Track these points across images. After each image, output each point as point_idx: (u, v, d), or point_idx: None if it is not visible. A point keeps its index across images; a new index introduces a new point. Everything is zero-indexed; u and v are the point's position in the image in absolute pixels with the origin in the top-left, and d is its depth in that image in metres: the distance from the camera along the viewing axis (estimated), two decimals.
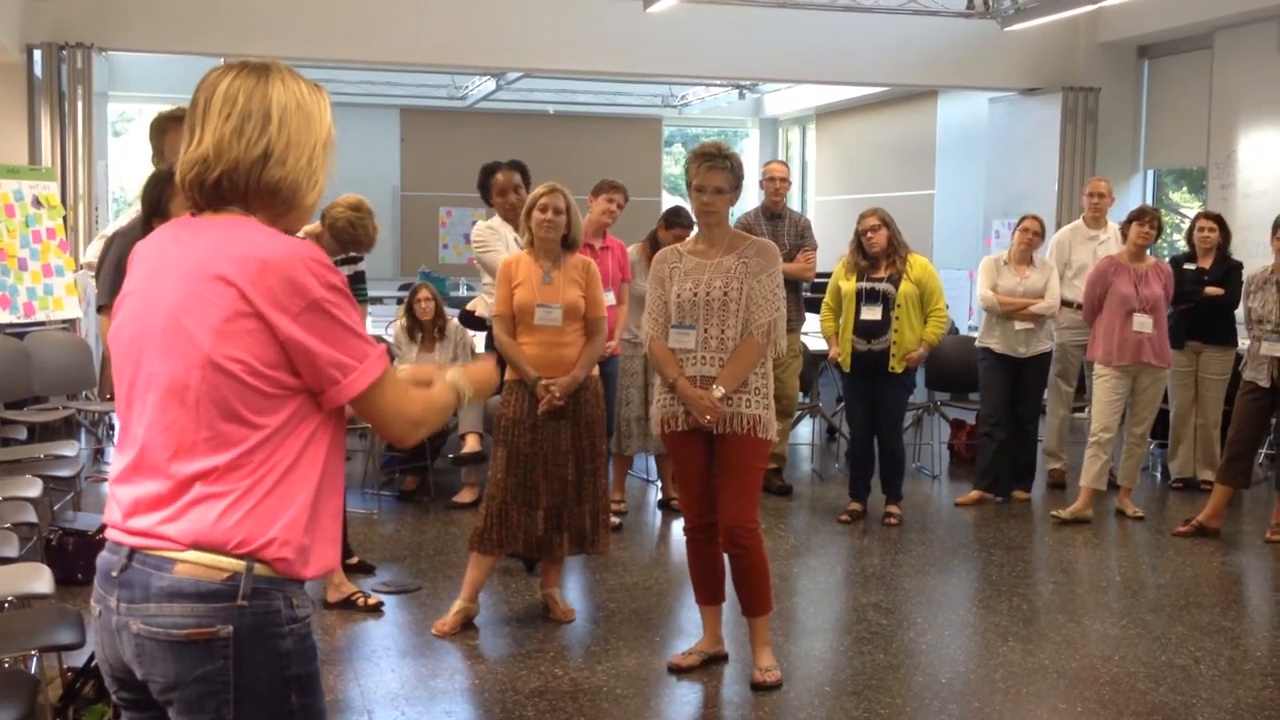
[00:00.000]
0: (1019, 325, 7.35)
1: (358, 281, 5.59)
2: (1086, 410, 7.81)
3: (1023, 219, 7.54)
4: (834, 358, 7.10)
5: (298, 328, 1.96)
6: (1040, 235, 7.50)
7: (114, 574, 2.02)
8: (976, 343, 7.63)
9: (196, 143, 2.04)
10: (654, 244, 7.06)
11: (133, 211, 4.73)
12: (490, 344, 6.22)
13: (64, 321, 8.90)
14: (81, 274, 8.52)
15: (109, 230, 4.66)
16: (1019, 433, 7.56)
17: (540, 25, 10.51)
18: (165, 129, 4.05)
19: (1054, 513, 7.10)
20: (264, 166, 2.03)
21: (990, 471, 7.51)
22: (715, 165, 4.46)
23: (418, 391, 2.21)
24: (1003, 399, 7.48)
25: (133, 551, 2.01)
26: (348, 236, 5.17)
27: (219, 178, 2.02)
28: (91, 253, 4.68)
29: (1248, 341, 6.91)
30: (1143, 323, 6.95)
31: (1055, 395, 7.99)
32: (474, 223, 6.58)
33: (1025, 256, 7.45)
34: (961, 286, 11.94)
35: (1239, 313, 7.28)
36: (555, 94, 14.75)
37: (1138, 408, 7.16)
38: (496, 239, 6.32)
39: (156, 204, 3.27)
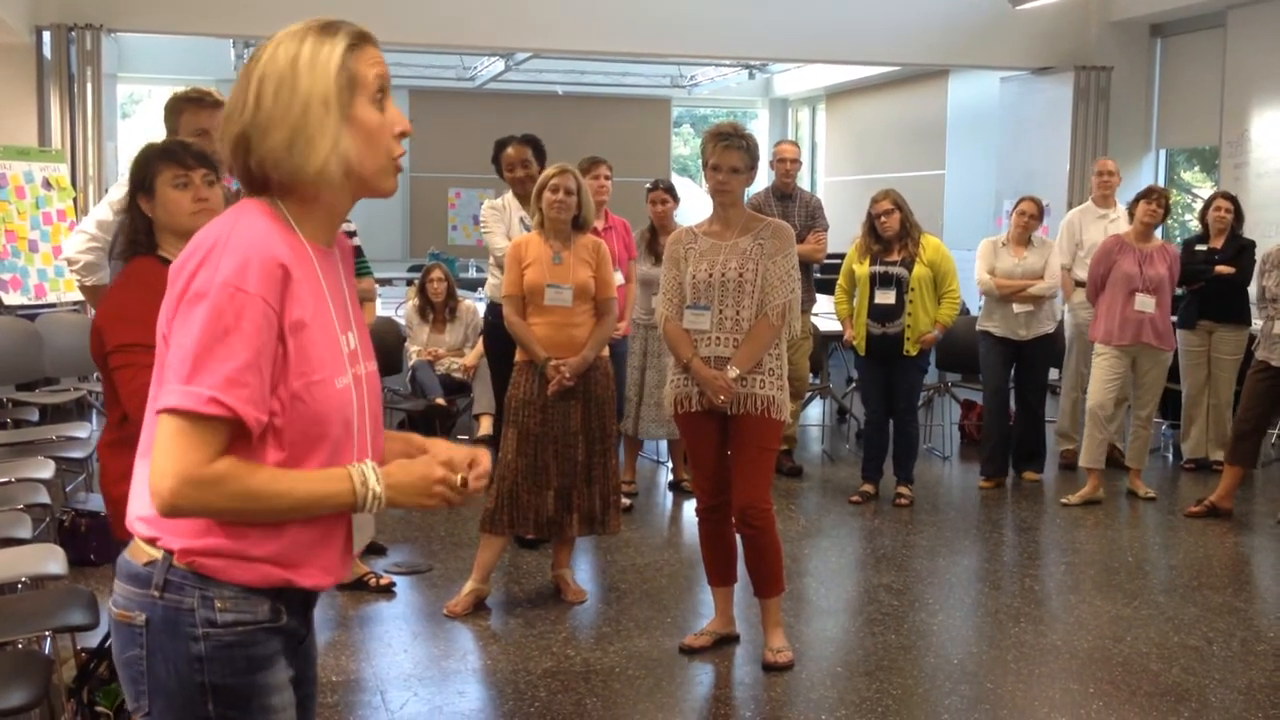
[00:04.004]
0: (1018, 308, 7.29)
1: (356, 255, 5.53)
2: None
3: (1020, 201, 7.49)
4: (849, 340, 7.08)
5: (175, 314, 1.80)
6: (1037, 218, 7.43)
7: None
8: (977, 327, 7.57)
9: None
10: (653, 228, 7.02)
11: (108, 203, 4.69)
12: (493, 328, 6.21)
13: (75, 303, 8.91)
14: (61, 265, 8.46)
15: (89, 224, 4.63)
16: (1026, 416, 7.53)
17: (549, 5, 10.47)
18: (179, 110, 4.02)
19: (1063, 500, 7.07)
20: (247, 149, 1.85)
21: (996, 456, 7.48)
22: (731, 145, 4.44)
23: (274, 471, 1.82)
24: (1004, 383, 7.45)
25: None
26: None
27: (232, 167, 1.91)
28: (71, 247, 4.62)
29: (1261, 321, 6.87)
30: (1145, 303, 6.91)
31: (1070, 375, 7.96)
32: (482, 204, 6.53)
33: (1023, 238, 7.39)
34: (973, 267, 11.87)
35: (1252, 291, 7.25)
36: (564, 74, 14.71)
37: (1141, 390, 7.13)
38: (498, 220, 6.27)
39: (141, 182, 3.17)
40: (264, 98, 1.84)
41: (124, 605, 1.88)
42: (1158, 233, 7.19)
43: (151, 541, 1.86)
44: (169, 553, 1.84)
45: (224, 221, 1.85)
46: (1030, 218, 7.37)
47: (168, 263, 3.03)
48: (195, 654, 1.84)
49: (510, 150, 6.30)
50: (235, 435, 1.78)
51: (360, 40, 1.90)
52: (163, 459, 1.75)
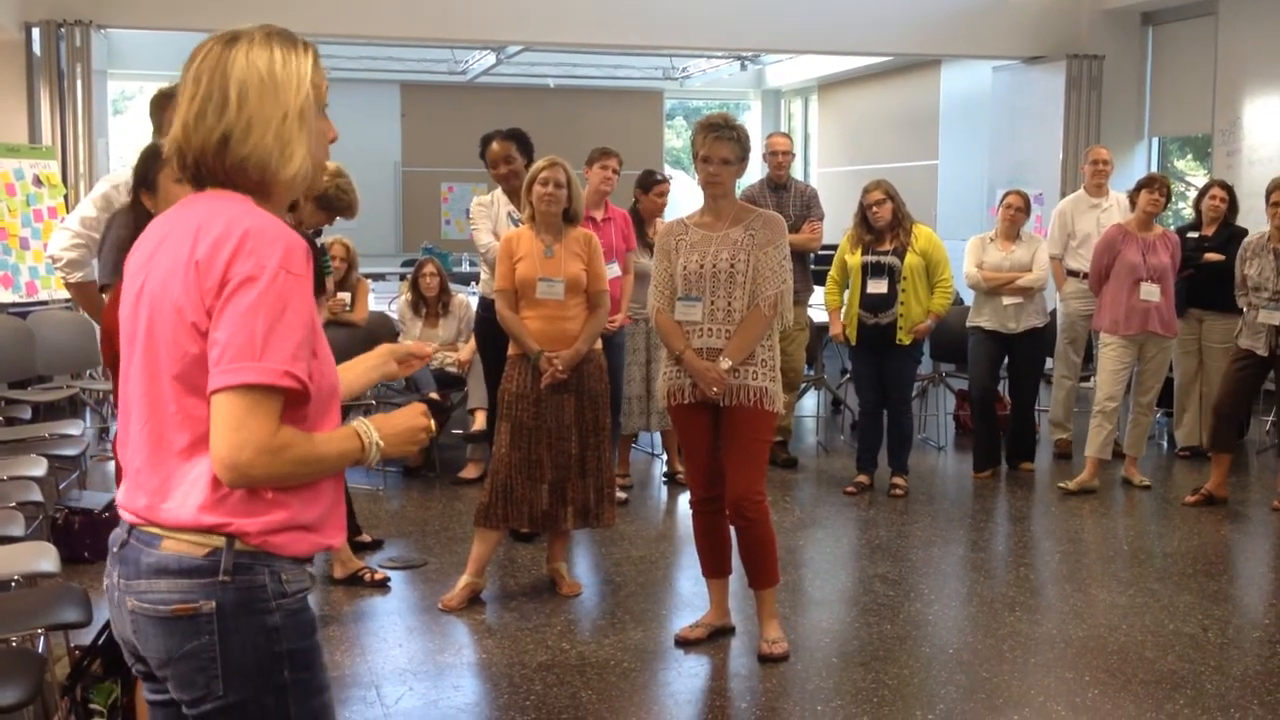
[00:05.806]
0: (1007, 300, 7.27)
1: (320, 254, 5.52)
2: (1091, 380, 7.78)
3: (1005, 195, 7.49)
4: (836, 335, 7.07)
5: (216, 300, 1.88)
6: (1024, 211, 7.41)
7: (115, 550, 2.04)
8: (967, 322, 7.53)
9: (175, 122, 2.02)
10: (636, 216, 7.02)
11: (91, 200, 4.68)
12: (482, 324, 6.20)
13: (67, 301, 8.89)
14: (45, 264, 8.44)
15: (73, 222, 4.61)
16: (1018, 409, 7.52)
17: None
18: (164, 105, 4.03)
19: (1060, 484, 7.08)
20: (226, 147, 1.97)
21: (986, 451, 7.46)
22: (722, 136, 4.42)
23: (314, 436, 1.97)
24: (991, 379, 7.45)
25: (131, 527, 2.02)
26: (342, 204, 5.09)
27: (194, 161, 2.00)
28: (55, 244, 4.61)
29: (1244, 309, 6.86)
30: (1150, 291, 6.91)
31: (1062, 365, 7.96)
32: (475, 198, 6.52)
33: (1010, 232, 7.38)
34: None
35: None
36: (556, 67, 14.68)
37: (1144, 377, 7.14)
38: (484, 216, 6.25)
39: (144, 178, 3.24)
40: (247, 102, 1.97)
41: (182, 599, 1.94)
42: None
43: (213, 530, 1.93)
44: (231, 537, 1.93)
45: (229, 210, 1.95)
46: (1017, 211, 7.36)
47: None
48: (272, 625, 1.97)
49: (494, 146, 6.26)
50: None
51: (315, 54, 2.07)
52: (237, 432, 1.85)
